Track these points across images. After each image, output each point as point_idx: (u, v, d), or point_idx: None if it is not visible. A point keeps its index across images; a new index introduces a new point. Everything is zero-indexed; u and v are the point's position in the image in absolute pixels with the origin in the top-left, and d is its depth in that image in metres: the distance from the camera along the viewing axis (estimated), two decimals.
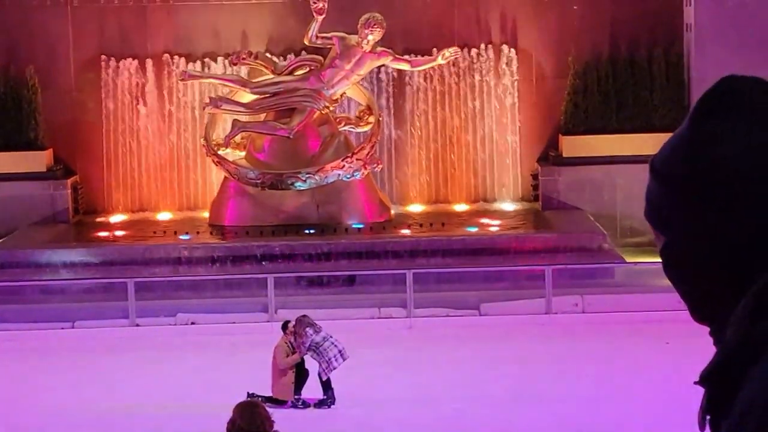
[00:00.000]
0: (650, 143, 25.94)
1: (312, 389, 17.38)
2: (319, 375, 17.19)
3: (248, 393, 16.99)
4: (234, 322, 21.76)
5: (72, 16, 28.73)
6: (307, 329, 17.18)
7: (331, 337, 17.26)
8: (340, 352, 17.16)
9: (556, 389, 17.86)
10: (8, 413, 17.41)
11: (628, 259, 24.45)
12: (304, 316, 17.69)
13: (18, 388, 18.68)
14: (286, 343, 17.29)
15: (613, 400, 17.29)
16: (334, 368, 17.14)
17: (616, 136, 27.85)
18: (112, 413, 17.26)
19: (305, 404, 17.23)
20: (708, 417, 2.06)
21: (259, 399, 16.47)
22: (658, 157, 2.18)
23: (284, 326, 17.54)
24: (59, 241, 25.89)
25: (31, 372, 19.55)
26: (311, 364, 17.34)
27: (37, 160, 28.00)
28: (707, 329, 2.19)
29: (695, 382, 2.10)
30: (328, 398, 17.24)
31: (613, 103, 28.20)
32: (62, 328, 21.78)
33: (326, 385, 17.22)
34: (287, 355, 17.15)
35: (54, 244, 25.49)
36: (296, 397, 17.22)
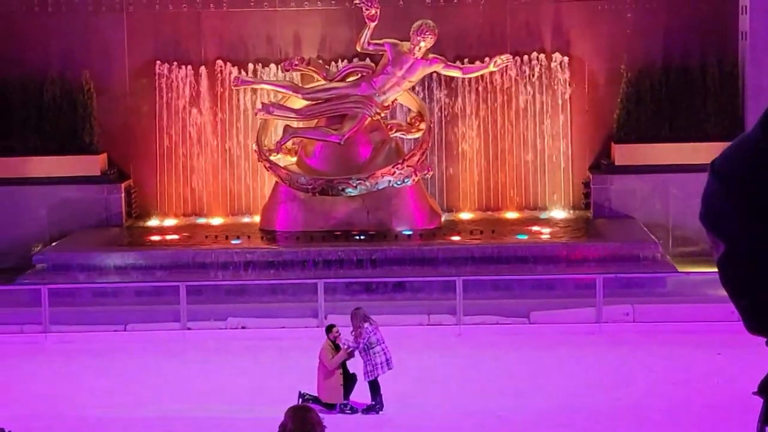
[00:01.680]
0: (703, 152, 25.73)
1: (360, 394, 17.41)
2: (364, 376, 17.20)
3: (300, 393, 17.05)
4: (284, 327, 21.86)
5: (127, 21, 29.03)
6: (366, 324, 17.19)
7: (383, 342, 17.28)
8: (387, 360, 17.18)
9: (605, 399, 17.75)
10: (61, 413, 17.59)
11: (680, 269, 24.26)
12: (359, 308, 17.68)
13: (70, 389, 18.86)
14: (330, 345, 17.29)
15: (664, 411, 17.16)
16: (377, 375, 17.16)
17: (669, 145, 27.66)
18: (162, 415, 17.38)
19: (353, 410, 17.26)
20: (767, 427, 2.06)
21: (309, 399, 16.54)
22: (720, 158, 2.17)
23: (329, 329, 17.56)
24: (112, 245, 26.14)
25: (83, 373, 19.74)
26: (356, 368, 17.32)
27: (92, 164, 28.31)
28: (759, 340, 2.18)
29: (753, 393, 2.09)
30: (376, 404, 17.26)
31: (666, 111, 28.01)
32: (115, 331, 21.99)
33: (375, 391, 17.24)
34: (333, 356, 17.15)
35: (107, 248, 25.74)
36: (344, 402, 17.24)
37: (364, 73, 26.48)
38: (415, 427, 16.96)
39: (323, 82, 26.50)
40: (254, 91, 28.51)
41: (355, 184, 25.58)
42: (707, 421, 16.64)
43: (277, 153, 26.51)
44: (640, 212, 27.36)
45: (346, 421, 16.87)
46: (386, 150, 26.31)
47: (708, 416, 16.78)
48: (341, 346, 17.26)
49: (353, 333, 17.29)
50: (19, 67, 28.61)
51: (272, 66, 28.63)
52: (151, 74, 28.94)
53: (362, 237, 25.56)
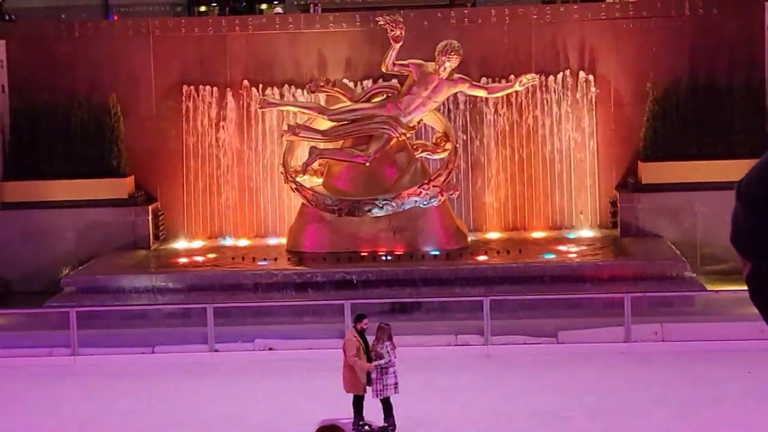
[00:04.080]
0: (730, 169, 25.62)
1: (376, 413, 17.34)
2: (374, 393, 17.13)
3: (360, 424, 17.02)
4: (311, 348, 21.85)
5: (154, 45, 29.21)
6: (387, 344, 17.11)
7: (395, 365, 17.20)
8: (395, 384, 17.13)
9: (634, 418, 17.64)
10: None
11: (709, 287, 24.13)
12: (388, 324, 17.60)
13: (99, 411, 18.89)
14: (354, 336, 17.16)
15: (693, 430, 17.03)
16: (389, 395, 17.09)
17: (696, 163, 27.56)
18: None
19: (371, 428, 17.22)
20: None
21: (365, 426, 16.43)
22: (745, 179, 2.16)
23: (359, 318, 17.43)
24: (140, 267, 26.24)
25: (112, 395, 19.78)
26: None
27: (119, 187, 28.46)
28: None
29: None
30: (389, 426, 17.13)
31: (693, 129, 27.92)
32: (142, 353, 22.04)
33: (387, 411, 17.13)
34: (357, 350, 17.06)
35: (135, 270, 25.84)
36: (361, 423, 17.20)
37: (390, 94, 26.52)
38: None
39: (349, 103, 26.56)
40: (280, 112, 28.61)
41: (381, 205, 25.60)
42: None
43: (304, 174, 26.57)
44: (668, 230, 27.25)
45: None
46: (412, 170, 26.32)
47: None
48: (375, 354, 17.12)
49: (375, 344, 17.19)
50: (47, 91, 28.83)
51: (298, 88, 28.73)
52: (178, 97, 29.10)
53: (389, 258, 25.55)
